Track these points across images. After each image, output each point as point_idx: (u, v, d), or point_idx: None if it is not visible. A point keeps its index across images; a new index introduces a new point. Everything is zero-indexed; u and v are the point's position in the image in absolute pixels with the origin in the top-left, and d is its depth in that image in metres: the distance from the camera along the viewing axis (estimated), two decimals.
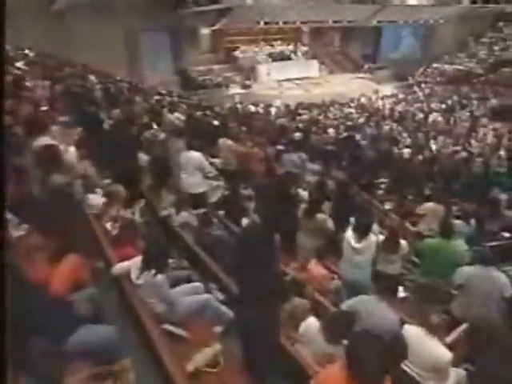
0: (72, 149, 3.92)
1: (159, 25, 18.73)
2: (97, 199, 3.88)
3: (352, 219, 4.82)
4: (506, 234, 6.40)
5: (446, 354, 2.94)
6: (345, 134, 12.70)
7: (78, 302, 2.63)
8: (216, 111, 14.31)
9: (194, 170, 5.14)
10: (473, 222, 5.78)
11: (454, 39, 22.66)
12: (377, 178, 8.83)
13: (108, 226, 3.63)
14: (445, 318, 3.23)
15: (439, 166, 9.09)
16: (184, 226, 4.30)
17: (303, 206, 4.51)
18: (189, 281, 3.45)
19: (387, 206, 7.54)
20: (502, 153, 11.61)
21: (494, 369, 3.33)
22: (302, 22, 19.63)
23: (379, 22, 19.97)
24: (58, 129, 4.16)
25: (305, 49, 22.80)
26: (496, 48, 21.74)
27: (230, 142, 6.80)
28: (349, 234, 4.00)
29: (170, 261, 3.39)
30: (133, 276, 2.92)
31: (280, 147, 8.78)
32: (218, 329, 3.19)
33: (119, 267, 3.07)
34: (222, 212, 5.44)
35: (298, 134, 10.94)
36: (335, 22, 19.51)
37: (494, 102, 17.74)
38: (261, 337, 2.47)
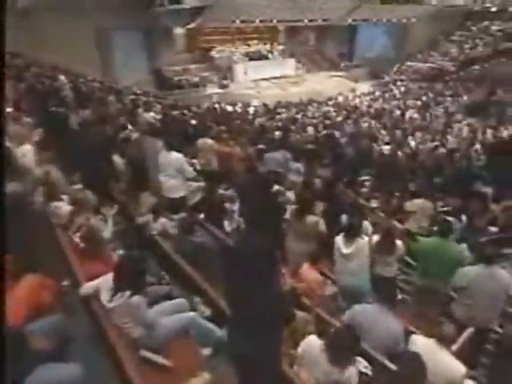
0: (30, 152, 3.41)
1: (132, 24, 18.02)
2: (63, 207, 3.39)
3: (343, 219, 4.53)
4: (493, 229, 6.24)
5: (461, 369, 2.63)
6: (324, 132, 12.48)
7: (38, 333, 2.17)
8: (193, 111, 13.83)
9: (175, 172, 4.68)
10: (464, 218, 5.55)
11: (425, 38, 22.85)
12: (360, 175, 8.62)
13: (75, 237, 3.15)
14: (454, 327, 2.92)
15: (421, 162, 8.94)
16: (163, 233, 3.86)
17: (292, 207, 4.14)
18: (170, 297, 3.03)
19: (373, 204, 7.28)
20: (478, 146, 11.67)
21: (506, 377, 3.07)
22: (278, 21, 19.32)
23: (354, 20, 19.90)
24: (15, 129, 3.63)
25: (281, 48, 22.50)
26: (466, 46, 22.06)
27: (210, 142, 6.37)
28: (338, 239, 3.67)
29: (148, 276, 2.94)
30: (103, 298, 2.46)
31: (261, 146, 8.43)
32: (206, 351, 2.78)
33: (87, 287, 2.60)
34: (202, 215, 5.04)
35: (277, 133, 10.63)
36: (310, 20, 19.28)
37: (466, 98, 17.93)
38: (260, 365, 2.07)
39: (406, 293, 4.25)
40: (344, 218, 4.45)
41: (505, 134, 13.68)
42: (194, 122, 10.08)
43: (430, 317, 3.91)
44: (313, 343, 2.53)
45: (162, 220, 3.95)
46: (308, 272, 3.67)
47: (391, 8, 19.47)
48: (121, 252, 3.21)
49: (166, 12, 18.36)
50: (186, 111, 12.01)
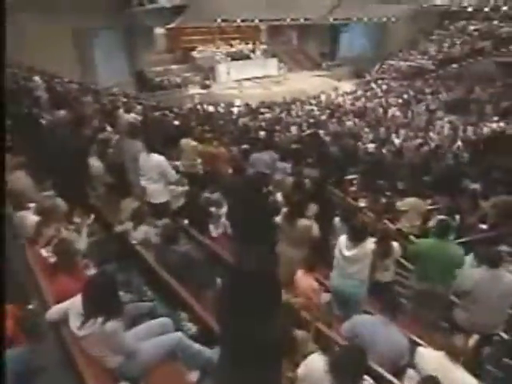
0: None
1: (111, 24, 17.43)
2: (29, 217, 3.01)
3: (336, 222, 4.27)
4: (483, 226, 6.10)
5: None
6: (308, 132, 12.29)
7: None
8: (176, 112, 13.43)
9: (157, 175, 4.32)
10: (457, 217, 5.36)
11: (405, 37, 22.93)
12: (347, 174, 8.42)
13: (45, 251, 2.78)
14: (463, 337, 2.67)
15: (408, 160, 8.78)
16: (144, 242, 3.51)
17: (283, 210, 3.84)
18: (153, 315, 2.69)
19: (361, 204, 7.03)
20: (460, 143, 11.67)
21: None
22: (260, 20, 19.04)
23: (335, 19, 19.78)
24: None
25: (263, 47, 22.21)
26: (444, 45, 22.22)
27: (193, 143, 6.02)
28: (342, 240, 3.39)
29: (128, 293, 2.60)
30: (73, 325, 2.10)
31: (246, 146, 8.14)
32: (194, 376, 2.46)
33: (54, 312, 2.25)
34: (186, 221, 4.71)
35: (261, 133, 10.40)
36: (293, 19, 19.06)
37: (446, 96, 18.02)
38: None
39: (403, 297, 4.01)
40: (337, 220, 4.20)
41: (485, 130, 13.75)
42: (176, 122, 9.71)
43: (430, 322, 3.70)
44: (315, 364, 2.24)
45: (144, 228, 3.60)
46: (304, 279, 3.38)
47: (372, 7, 19.43)
48: (94, 269, 2.84)
49: (146, 11, 17.86)
50: (167, 112, 11.59)
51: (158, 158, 4.32)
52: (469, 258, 3.59)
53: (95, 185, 4.92)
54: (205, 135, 6.37)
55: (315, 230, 3.63)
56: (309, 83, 20.85)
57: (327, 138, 10.99)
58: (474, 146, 11.16)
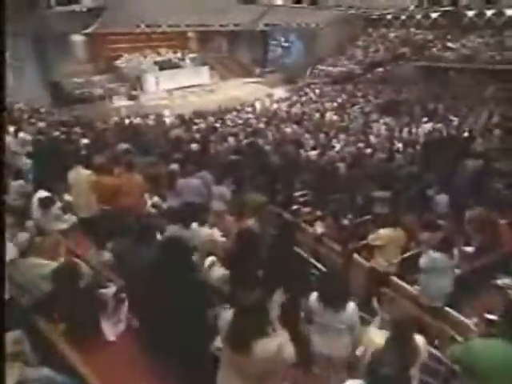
0: None
1: (14, 27, 14.20)
2: None
3: (313, 302, 2.41)
4: (468, 249, 4.70)
5: None
6: (246, 141, 10.54)
7: None
8: (94, 127, 10.94)
9: None
10: (456, 252, 3.78)
11: (333, 42, 22.27)
12: (294, 189, 6.73)
13: None
14: None
15: (363, 170, 7.21)
16: None
17: (224, 327, 1.84)
18: None
19: (318, 229, 5.25)
20: (400, 145, 10.68)
21: None
22: (188, 25, 16.93)
23: (266, 25, 18.32)
24: None
25: (193, 55, 20.11)
26: (370, 50, 21.88)
27: (85, 173, 3.88)
28: None
29: None
30: None
31: (174, 166, 6.01)
32: None
33: None
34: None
35: (194, 146, 8.46)
36: (222, 25, 17.23)
37: (376, 98, 17.43)
38: None
39: None
40: (313, 299, 2.31)
41: (419, 131, 13.07)
42: (85, 141, 7.33)
43: None
44: None
45: None
46: None
47: (300, 13, 18.29)
48: None
49: (57, 15, 14.91)
50: (77, 128, 9.07)
51: None
52: None
53: None
54: (102, 160, 4.21)
55: (289, 350, 1.74)
56: (242, 91, 19.21)
57: (267, 147, 9.33)
58: (414, 147, 10.12)
